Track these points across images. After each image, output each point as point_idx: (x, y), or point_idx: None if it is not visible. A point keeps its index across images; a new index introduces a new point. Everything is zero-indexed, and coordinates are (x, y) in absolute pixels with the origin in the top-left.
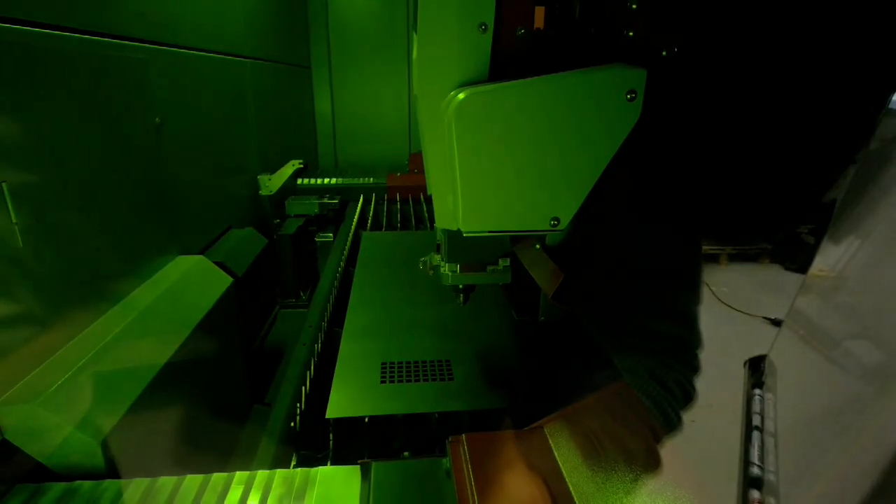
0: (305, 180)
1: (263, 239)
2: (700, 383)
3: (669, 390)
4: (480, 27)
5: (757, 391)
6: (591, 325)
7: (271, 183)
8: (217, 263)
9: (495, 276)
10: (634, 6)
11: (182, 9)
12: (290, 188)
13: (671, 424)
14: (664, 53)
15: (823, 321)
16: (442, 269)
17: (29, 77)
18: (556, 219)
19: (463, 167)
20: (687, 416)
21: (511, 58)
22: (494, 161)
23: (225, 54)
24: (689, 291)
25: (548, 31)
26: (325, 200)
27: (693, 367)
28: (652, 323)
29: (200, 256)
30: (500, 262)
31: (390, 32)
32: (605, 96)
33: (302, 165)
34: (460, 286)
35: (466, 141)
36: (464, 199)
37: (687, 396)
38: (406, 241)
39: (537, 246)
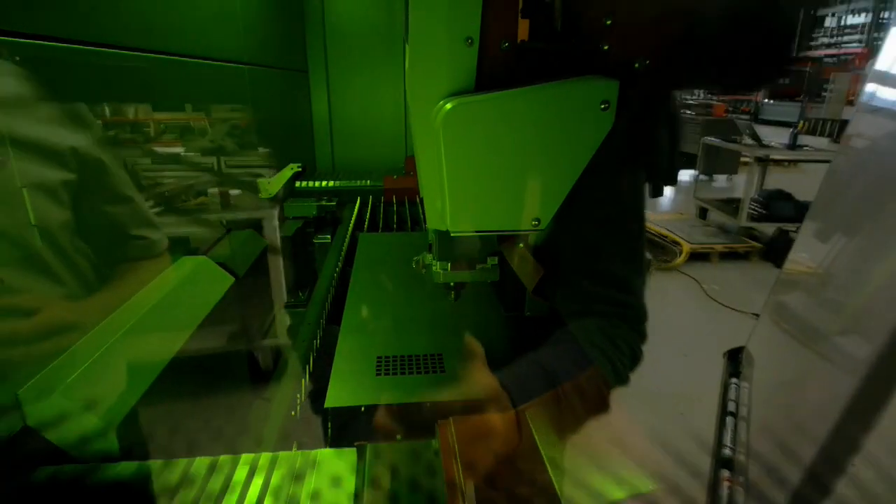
0: (303, 183)
1: (263, 240)
2: (689, 376)
3: (618, 347)
4: (467, 41)
5: (734, 380)
6: (555, 298)
7: (270, 186)
8: (219, 264)
9: (484, 274)
10: (609, 22)
11: (185, 19)
12: (288, 191)
13: (620, 378)
14: (636, 66)
15: (800, 312)
16: (433, 268)
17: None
18: (538, 219)
19: (450, 172)
20: (675, 409)
21: (496, 69)
22: (479, 166)
23: (225, 61)
24: (638, 267)
25: (531, 42)
26: (323, 203)
27: (641, 333)
28: (604, 290)
29: (204, 257)
30: (489, 260)
31: (387, 38)
32: (581, 106)
33: (300, 169)
34: (451, 284)
35: (453, 147)
36: (451, 202)
37: (634, 356)
38: (402, 241)
39: (521, 245)
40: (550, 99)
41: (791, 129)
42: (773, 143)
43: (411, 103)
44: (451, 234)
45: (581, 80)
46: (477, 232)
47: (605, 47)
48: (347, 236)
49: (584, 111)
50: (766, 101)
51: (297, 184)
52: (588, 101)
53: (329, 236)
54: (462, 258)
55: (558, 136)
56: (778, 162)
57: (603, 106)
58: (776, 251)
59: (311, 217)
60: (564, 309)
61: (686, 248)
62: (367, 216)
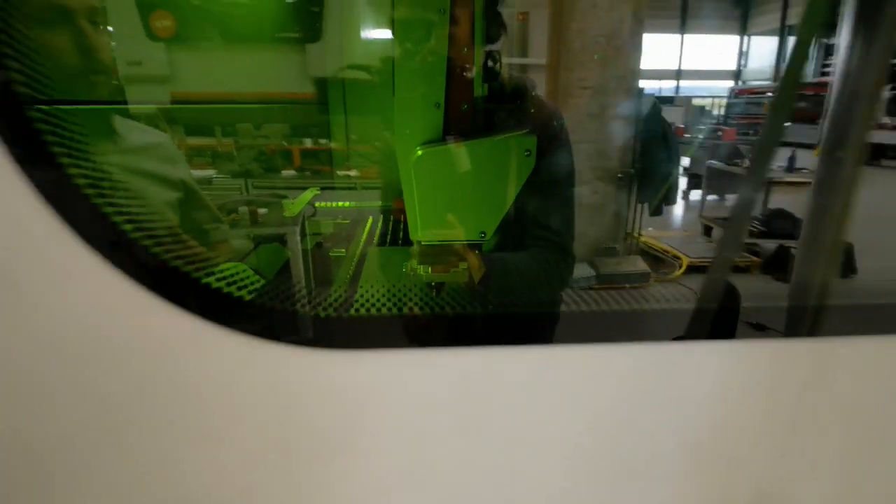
0: (322, 204)
1: (287, 252)
2: None
3: (548, 261)
4: (436, 105)
5: None
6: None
7: (293, 206)
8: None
9: (457, 275)
10: (534, 93)
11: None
12: (309, 210)
13: (547, 278)
14: (555, 124)
15: None
16: (418, 271)
17: None
18: (484, 232)
19: (420, 198)
20: None
21: (457, 125)
22: (442, 194)
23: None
24: (568, 225)
25: (482, 105)
26: (339, 221)
27: (568, 264)
28: (544, 233)
29: (240, 263)
30: (460, 265)
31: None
32: (512, 153)
33: (319, 192)
34: (433, 283)
35: (423, 182)
36: (421, 220)
37: (561, 277)
38: (405, 254)
39: (476, 252)
40: (491, 148)
41: (789, 153)
42: (772, 166)
43: (396, 147)
44: (422, 243)
45: (510, 135)
46: (441, 241)
47: (532, 110)
48: (359, 250)
49: (514, 157)
50: (786, 124)
51: (317, 204)
52: (516, 150)
53: (343, 250)
54: (440, 262)
55: (497, 173)
56: (791, 183)
57: (526, 153)
58: (775, 265)
59: (328, 234)
60: (519, 246)
61: (685, 261)
62: (378, 233)
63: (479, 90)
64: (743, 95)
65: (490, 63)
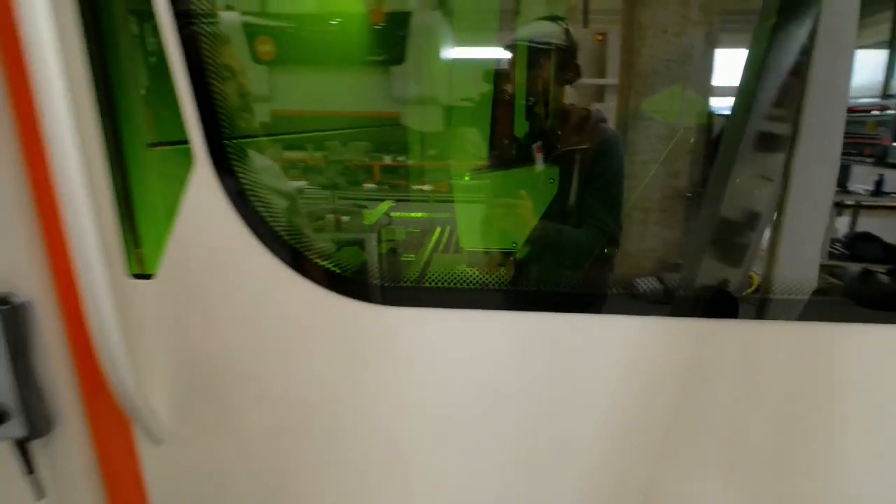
0: (396, 214)
1: (365, 255)
2: None
3: (591, 236)
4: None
5: None
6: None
7: (371, 216)
8: None
9: (497, 275)
10: (559, 132)
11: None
12: (384, 220)
13: (586, 243)
14: (610, 146)
15: None
16: (467, 272)
17: None
18: (515, 242)
19: (467, 215)
20: None
21: (500, 157)
22: (483, 212)
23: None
24: (616, 216)
25: (521, 140)
26: (410, 230)
27: (609, 244)
28: (593, 220)
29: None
30: (501, 269)
31: None
32: (539, 181)
33: (395, 204)
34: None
35: (469, 201)
36: (468, 231)
37: (601, 246)
38: (464, 260)
39: (510, 258)
40: (525, 176)
41: (876, 176)
42: (857, 189)
43: (451, 172)
44: (465, 250)
45: (538, 167)
46: (483, 249)
47: (559, 145)
48: (426, 257)
49: (541, 183)
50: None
51: (392, 215)
52: (543, 178)
53: (413, 256)
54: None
55: (528, 195)
56: (878, 207)
57: (551, 180)
58: (856, 288)
59: (401, 240)
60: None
61: (756, 280)
62: (444, 242)
63: (522, 126)
64: None
65: (531, 103)
